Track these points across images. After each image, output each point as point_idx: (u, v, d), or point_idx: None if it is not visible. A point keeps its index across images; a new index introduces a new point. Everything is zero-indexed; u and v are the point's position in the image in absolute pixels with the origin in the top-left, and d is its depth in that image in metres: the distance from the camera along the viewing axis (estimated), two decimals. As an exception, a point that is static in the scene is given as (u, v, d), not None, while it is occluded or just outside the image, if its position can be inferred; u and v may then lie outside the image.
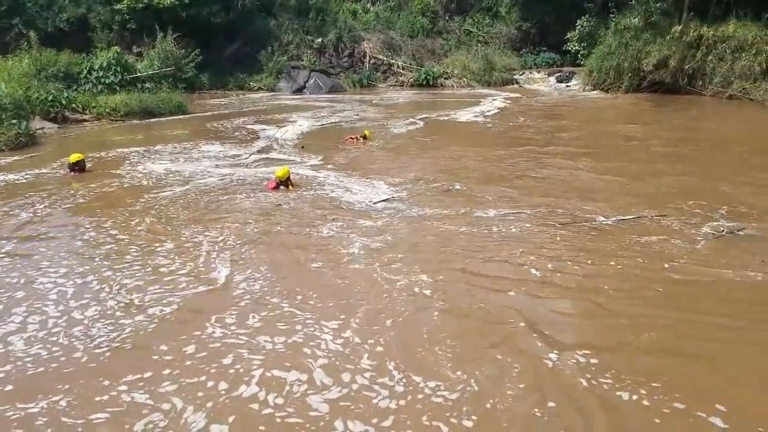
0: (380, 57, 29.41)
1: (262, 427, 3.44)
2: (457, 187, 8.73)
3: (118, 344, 4.35)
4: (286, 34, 27.93)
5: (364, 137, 12.86)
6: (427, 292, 5.16)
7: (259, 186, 8.92)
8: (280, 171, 8.68)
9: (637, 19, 22.36)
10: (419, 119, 16.87)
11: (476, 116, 17.62)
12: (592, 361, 4.01)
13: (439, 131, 15.14)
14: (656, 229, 6.61)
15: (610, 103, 20.81)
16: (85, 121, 16.04)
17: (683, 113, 17.54)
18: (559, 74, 27.83)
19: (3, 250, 6.28)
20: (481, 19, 32.73)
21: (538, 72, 29.28)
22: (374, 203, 7.84)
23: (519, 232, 6.62)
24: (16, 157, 11.20)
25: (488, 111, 18.86)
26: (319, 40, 28.61)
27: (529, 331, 4.45)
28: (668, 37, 21.26)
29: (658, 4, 22.14)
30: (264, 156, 11.57)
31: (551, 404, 3.55)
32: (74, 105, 16.18)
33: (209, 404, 3.62)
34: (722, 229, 6.52)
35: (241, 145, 12.74)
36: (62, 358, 4.16)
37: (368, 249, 6.18)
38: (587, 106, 20.19)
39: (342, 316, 4.72)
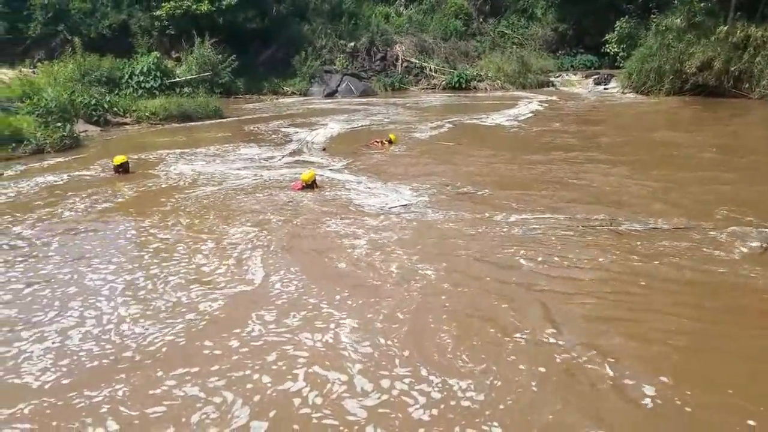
0: (412, 60, 29.34)
1: (296, 426, 3.49)
2: (481, 192, 8.59)
3: (171, 338, 4.48)
4: (319, 39, 28.13)
5: (390, 141, 12.80)
6: (447, 291, 5.26)
7: (287, 186, 9.15)
8: (306, 174, 8.97)
9: (679, 20, 21.74)
10: (449, 123, 16.74)
11: (509, 120, 17.36)
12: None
13: (469, 135, 14.97)
14: (691, 239, 6.38)
15: (651, 106, 20.24)
16: (126, 124, 16.42)
17: (732, 119, 16.88)
18: (596, 77, 27.27)
19: (52, 248, 6.47)
20: (516, 20, 32.36)
21: (575, 74, 28.78)
22: (390, 208, 7.81)
23: (540, 237, 6.56)
24: (60, 159, 11.53)
25: (522, 114, 18.57)
26: (352, 44, 28.73)
27: (531, 324, 4.60)
28: (713, 38, 20.60)
29: (702, 4, 21.49)
30: (295, 158, 11.68)
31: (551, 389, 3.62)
32: (116, 109, 16.57)
33: (256, 398, 3.74)
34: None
35: (275, 148, 12.86)
36: (116, 353, 4.28)
37: (387, 250, 6.26)
38: (627, 111, 19.69)
39: (369, 315, 4.83)
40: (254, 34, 25.98)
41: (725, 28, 20.31)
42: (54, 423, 3.53)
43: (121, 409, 3.63)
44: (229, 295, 5.24)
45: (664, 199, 8.06)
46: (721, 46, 20.34)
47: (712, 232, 6.52)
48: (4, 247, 6.53)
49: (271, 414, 3.59)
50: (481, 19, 32.60)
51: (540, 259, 5.92)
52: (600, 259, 5.87)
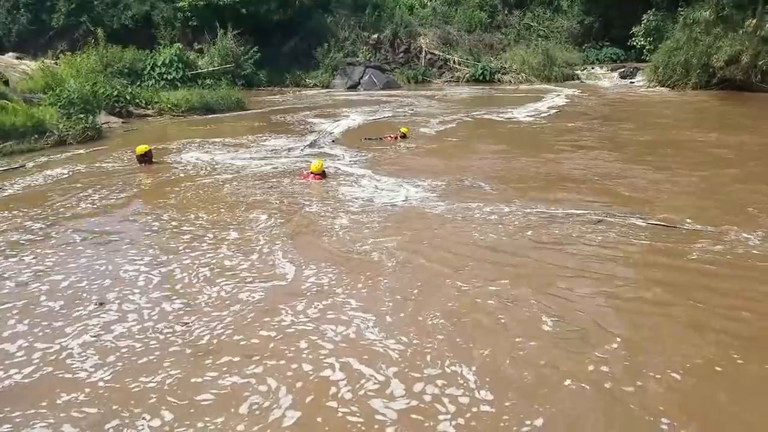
0: (436, 52, 29.11)
1: (318, 419, 3.46)
2: (488, 188, 8.40)
3: (220, 332, 4.43)
4: (342, 30, 28.06)
5: (404, 135, 12.68)
6: (459, 281, 5.23)
7: (298, 176, 9.21)
8: (314, 165, 9.02)
9: (707, 13, 21.18)
10: (470, 116, 16.53)
11: (532, 114, 17.05)
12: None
13: (487, 130, 14.66)
14: (695, 238, 6.17)
15: (681, 102, 19.63)
16: (148, 116, 16.49)
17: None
18: (622, 70, 26.79)
19: (78, 240, 6.43)
20: (541, 12, 31.93)
21: (601, 67, 28.30)
22: (391, 203, 7.70)
23: (544, 230, 6.50)
24: (83, 150, 11.61)
25: (546, 109, 18.25)
26: (375, 35, 28.58)
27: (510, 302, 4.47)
28: (741, 32, 20.12)
29: (730, -3, 20.92)
30: (313, 150, 11.67)
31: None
32: (138, 100, 16.60)
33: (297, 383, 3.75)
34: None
35: (296, 139, 12.87)
36: (161, 346, 4.24)
37: (391, 241, 6.24)
38: (656, 106, 19.14)
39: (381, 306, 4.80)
40: (277, 26, 26.01)
41: (754, 21, 19.77)
42: (115, 407, 3.54)
43: (171, 398, 3.62)
44: (262, 288, 5.18)
45: (693, 200, 7.76)
46: (750, 40, 19.84)
47: (741, 236, 6.27)
48: (29, 239, 6.56)
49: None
50: (506, 11, 32.21)
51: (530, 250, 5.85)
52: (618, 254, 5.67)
